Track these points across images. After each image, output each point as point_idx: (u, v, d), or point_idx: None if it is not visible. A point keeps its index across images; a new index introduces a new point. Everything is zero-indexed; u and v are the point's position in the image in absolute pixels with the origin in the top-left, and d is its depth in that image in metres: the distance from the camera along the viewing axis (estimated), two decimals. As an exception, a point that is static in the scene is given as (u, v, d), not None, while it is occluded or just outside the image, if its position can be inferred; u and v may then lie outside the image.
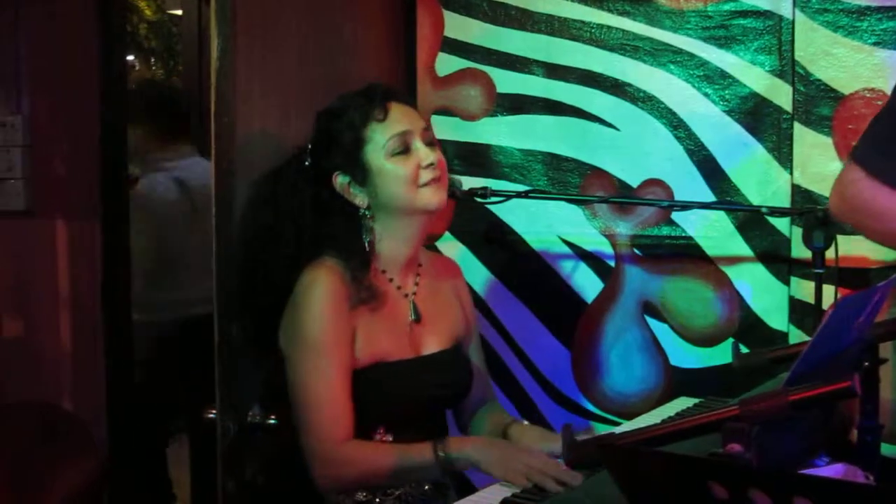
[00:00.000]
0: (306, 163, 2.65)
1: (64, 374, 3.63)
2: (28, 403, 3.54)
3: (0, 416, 3.48)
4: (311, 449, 2.45)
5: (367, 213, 2.57)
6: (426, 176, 2.55)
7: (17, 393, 3.55)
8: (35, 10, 3.53)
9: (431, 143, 2.62)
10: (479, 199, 3.00)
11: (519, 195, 3.12)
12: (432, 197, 2.57)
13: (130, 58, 14.15)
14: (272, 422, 2.68)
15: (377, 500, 2.45)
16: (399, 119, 2.58)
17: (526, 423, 2.74)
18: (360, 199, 2.57)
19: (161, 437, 4.78)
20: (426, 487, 2.49)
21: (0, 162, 3.57)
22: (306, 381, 2.47)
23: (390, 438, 2.51)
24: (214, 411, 2.75)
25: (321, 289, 2.48)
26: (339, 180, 2.57)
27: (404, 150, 2.55)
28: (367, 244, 2.58)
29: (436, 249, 3.55)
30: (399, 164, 2.54)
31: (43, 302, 3.60)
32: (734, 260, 3.31)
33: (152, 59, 13.72)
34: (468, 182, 3.20)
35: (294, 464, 2.55)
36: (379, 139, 2.55)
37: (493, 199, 3.03)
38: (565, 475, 2.17)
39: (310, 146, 2.66)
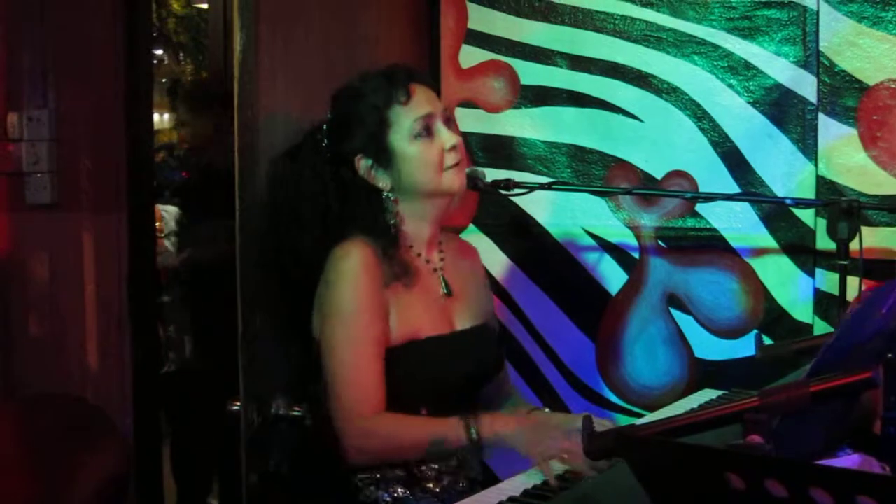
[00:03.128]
0: (323, 143, 2.62)
1: (90, 367, 3.66)
2: (54, 396, 3.56)
3: (26, 408, 3.51)
4: (341, 421, 2.41)
5: (390, 195, 2.56)
6: (450, 159, 2.54)
7: (44, 385, 3.58)
8: (61, 4, 3.55)
9: (451, 124, 2.62)
10: (502, 192, 2.98)
11: (542, 187, 3.09)
12: (455, 179, 2.56)
13: (159, 52, 14.26)
14: (297, 413, 2.69)
15: (414, 495, 2.44)
16: (422, 101, 2.56)
17: (547, 410, 2.73)
18: (383, 182, 2.55)
19: (187, 429, 4.81)
20: (461, 484, 2.47)
21: (27, 156, 3.59)
22: (340, 354, 2.43)
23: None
24: (238, 403, 2.77)
25: (354, 262, 2.45)
26: (363, 163, 2.55)
27: (428, 133, 2.54)
28: (392, 225, 2.56)
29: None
30: (424, 147, 2.53)
31: (69, 294, 3.64)
32: (759, 252, 3.29)
33: (181, 54, 13.79)
34: (492, 174, 3.20)
35: (320, 455, 2.54)
36: (403, 122, 2.53)
37: (517, 190, 3.00)
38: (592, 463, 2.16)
39: (326, 126, 2.63)
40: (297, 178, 2.62)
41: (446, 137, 2.55)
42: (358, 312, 2.43)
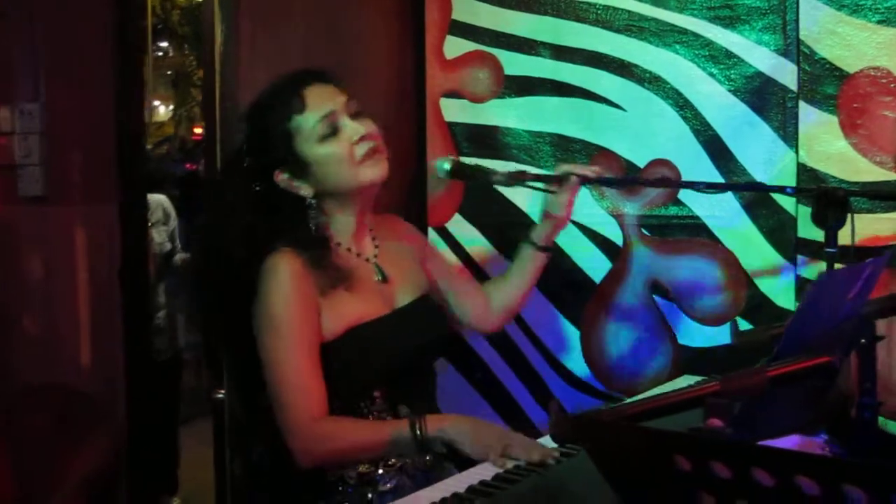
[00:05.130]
0: (245, 164, 2.62)
1: (83, 358, 3.67)
2: (46, 387, 3.59)
3: (19, 399, 3.54)
4: (286, 426, 2.45)
5: (313, 201, 2.58)
6: (361, 150, 2.55)
7: (37, 376, 3.59)
8: None
9: (359, 115, 2.61)
10: (525, 185, 2.95)
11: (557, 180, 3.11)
12: (372, 170, 2.56)
13: (164, 44, 14.28)
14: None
15: (379, 471, 2.48)
16: (318, 103, 2.55)
17: None
18: (304, 190, 2.56)
19: (177, 419, 4.85)
20: (427, 458, 2.48)
21: (19, 148, 3.61)
22: (275, 362, 2.48)
23: (381, 403, 2.54)
24: (222, 391, 2.80)
25: (279, 273, 2.48)
26: (282, 177, 2.56)
27: (333, 131, 2.55)
28: (317, 230, 2.59)
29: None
30: (331, 147, 2.53)
31: (61, 286, 3.65)
32: (741, 239, 3.31)
33: (185, 46, 13.83)
34: (476, 163, 3.22)
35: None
36: (305, 128, 2.53)
37: (536, 184, 2.87)
38: (539, 451, 2.21)
39: (244, 146, 2.64)
40: (225, 197, 2.64)
41: (351, 130, 2.54)
42: (288, 323, 2.47)
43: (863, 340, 2.25)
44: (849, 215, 2.76)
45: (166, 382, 4.75)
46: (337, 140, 2.53)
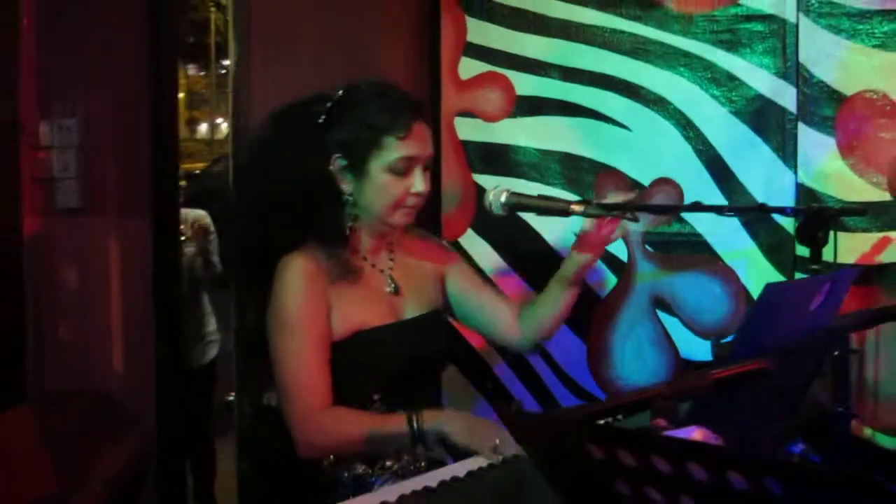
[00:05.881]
0: (320, 119, 2.71)
1: (115, 365, 3.78)
2: (79, 392, 3.71)
3: (53, 402, 3.67)
4: (290, 419, 2.59)
5: (349, 198, 2.70)
6: (409, 202, 2.68)
7: (71, 383, 3.68)
8: (87, 15, 3.68)
9: (427, 170, 2.73)
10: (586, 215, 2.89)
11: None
12: (403, 218, 2.69)
13: (227, 62, 14.47)
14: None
15: (374, 472, 2.59)
16: (414, 144, 2.65)
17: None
18: (346, 186, 2.69)
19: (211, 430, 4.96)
20: (422, 464, 2.56)
21: (57, 162, 3.74)
22: (283, 357, 2.61)
23: (380, 406, 2.65)
24: (233, 394, 2.93)
25: (295, 272, 2.61)
26: (338, 162, 2.68)
27: (403, 172, 2.67)
28: (346, 226, 2.70)
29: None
30: (392, 181, 2.64)
31: (95, 295, 3.76)
32: (741, 256, 3.40)
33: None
34: (489, 181, 3.34)
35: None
36: (389, 154, 2.65)
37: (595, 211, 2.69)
38: None
39: (330, 104, 2.71)
40: (284, 144, 2.73)
41: (417, 182, 2.66)
42: (297, 321, 2.59)
43: (836, 352, 2.35)
44: (830, 233, 2.87)
45: (198, 392, 4.86)
46: (399, 179, 2.65)
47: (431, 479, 2.20)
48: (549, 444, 1.51)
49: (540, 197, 2.72)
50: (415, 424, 2.48)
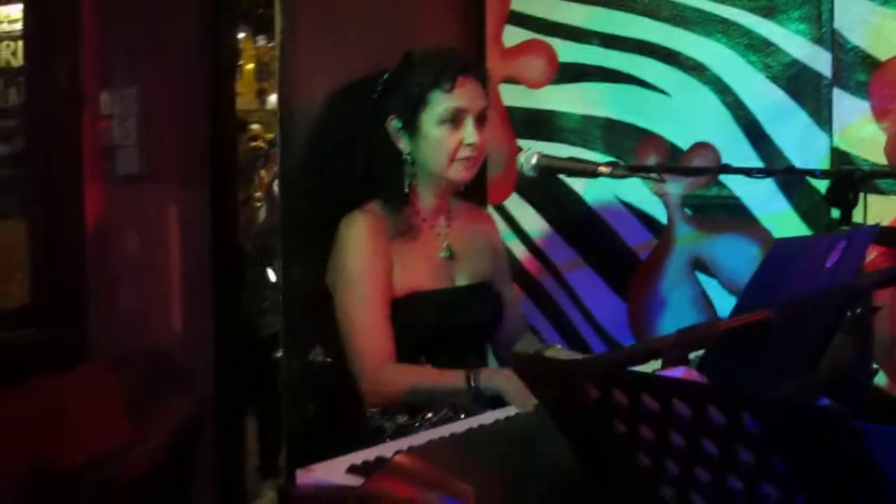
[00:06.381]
0: (376, 91, 2.92)
1: (175, 332, 3.94)
2: (138, 353, 3.85)
3: (112, 364, 3.81)
4: (357, 371, 2.75)
5: (408, 157, 2.84)
6: (463, 153, 2.83)
7: (132, 344, 3.82)
8: None
9: (482, 123, 2.86)
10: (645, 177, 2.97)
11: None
12: (460, 172, 2.84)
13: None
14: (329, 360, 2.99)
15: (416, 424, 2.72)
16: (463, 95, 2.84)
17: (559, 346, 2.99)
18: (404, 146, 2.84)
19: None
20: (462, 416, 2.68)
21: (118, 130, 3.87)
22: (350, 311, 2.77)
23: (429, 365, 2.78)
24: (281, 351, 3.07)
25: (359, 227, 2.77)
26: (394, 124, 2.86)
27: (454, 123, 2.81)
28: (406, 185, 2.85)
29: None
30: (445, 134, 2.81)
31: (156, 260, 3.90)
32: (777, 218, 3.47)
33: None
34: (533, 145, 3.39)
35: (344, 395, 2.83)
36: (437, 107, 2.82)
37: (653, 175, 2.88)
38: None
39: (384, 78, 2.94)
40: (345, 114, 3.00)
41: (468, 133, 2.82)
42: (363, 275, 2.75)
43: (858, 310, 2.42)
44: (861, 195, 2.92)
45: (264, 358, 4.97)
46: (452, 131, 2.81)
47: (461, 426, 2.32)
48: (552, 385, 1.61)
49: (569, 159, 2.81)
50: (472, 381, 2.61)
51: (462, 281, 2.92)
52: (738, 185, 3.53)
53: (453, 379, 2.68)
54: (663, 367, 1.84)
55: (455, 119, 2.81)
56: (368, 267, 2.76)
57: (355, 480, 1.93)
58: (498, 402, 2.61)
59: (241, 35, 7.02)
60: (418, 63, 2.89)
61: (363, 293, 2.76)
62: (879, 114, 3.27)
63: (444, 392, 2.69)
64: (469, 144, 2.82)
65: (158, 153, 3.87)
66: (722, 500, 1.36)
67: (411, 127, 2.84)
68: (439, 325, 2.81)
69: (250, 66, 8.67)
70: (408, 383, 2.73)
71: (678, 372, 1.61)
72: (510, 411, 2.45)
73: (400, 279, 2.80)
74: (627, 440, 1.45)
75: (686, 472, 1.40)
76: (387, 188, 2.84)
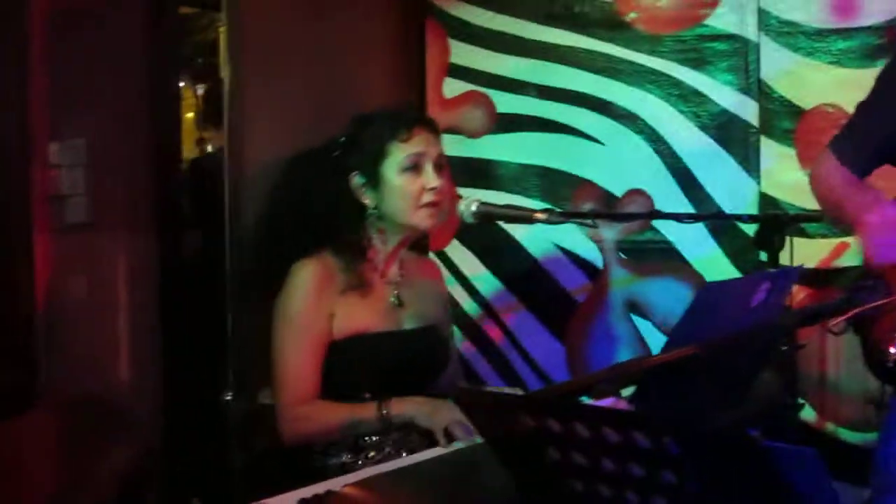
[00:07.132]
0: (335, 153, 3.01)
1: (122, 374, 3.92)
2: (86, 398, 3.85)
3: (60, 408, 3.82)
4: (278, 408, 2.85)
5: (374, 211, 2.94)
6: (426, 198, 2.92)
7: (80, 389, 3.76)
8: (93, 36, 3.83)
9: (441, 169, 2.97)
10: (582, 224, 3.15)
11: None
12: (427, 219, 2.94)
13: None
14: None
15: (359, 462, 2.80)
16: (419, 142, 2.93)
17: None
18: (369, 200, 2.94)
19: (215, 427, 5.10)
20: (403, 454, 2.75)
21: (65, 180, 3.88)
22: (280, 350, 2.86)
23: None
24: (230, 393, 3.14)
25: (306, 273, 2.87)
26: (356, 180, 2.95)
27: (415, 169, 2.91)
28: (368, 239, 2.95)
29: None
30: (407, 180, 2.91)
31: (105, 306, 3.85)
32: (708, 261, 3.60)
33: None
34: (473, 194, 3.52)
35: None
36: (397, 156, 2.91)
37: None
38: None
39: (340, 142, 3.02)
40: (306, 176, 3.09)
41: (429, 177, 2.92)
42: (298, 317, 2.85)
43: (784, 347, 2.53)
44: (788, 238, 3.04)
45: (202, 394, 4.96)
46: (413, 178, 2.91)
47: (399, 464, 2.41)
48: (491, 416, 1.70)
49: (507, 206, 2.90)
50: (383, 411, 2.71)
51: (410, 325, 3.01)
52: (670, 230, 3.65)
53: (365, 411, 2.78)
54: (594, 399, 1.94)
55: (415, 166, 2.91)
56: (305, 311, 2.85)
57: (305, 513, 2.00)
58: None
59: (181, 84, 7.04)
60: (375, 119, 2.99)
61: (295, 334, 2.85)
62: (805, 160, 3.41)
63: (357, 425, 2.79)
64: (431, 189, 2.91)
65: (107, 202, 3.86)
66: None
67: (374, 180, 2.93)
68: (381, 364, 2.89)
69: (189, 114, 8.69)
70: (323, 420, 2.82)
71: (607, 403, 1.70)
72: (454, 447, 2.53)
73: (344, 324, 2.88)
74: (561, 466, 1.54)
75: (616, 496, 1.49)
76: (345, 242, 2.94)
